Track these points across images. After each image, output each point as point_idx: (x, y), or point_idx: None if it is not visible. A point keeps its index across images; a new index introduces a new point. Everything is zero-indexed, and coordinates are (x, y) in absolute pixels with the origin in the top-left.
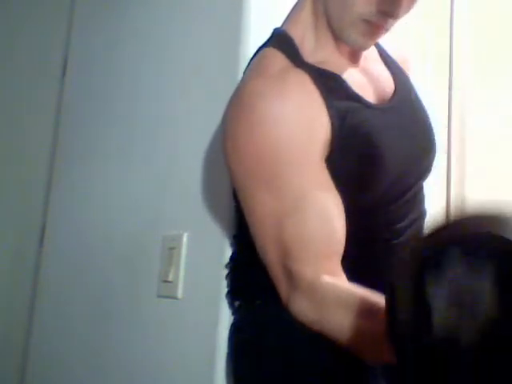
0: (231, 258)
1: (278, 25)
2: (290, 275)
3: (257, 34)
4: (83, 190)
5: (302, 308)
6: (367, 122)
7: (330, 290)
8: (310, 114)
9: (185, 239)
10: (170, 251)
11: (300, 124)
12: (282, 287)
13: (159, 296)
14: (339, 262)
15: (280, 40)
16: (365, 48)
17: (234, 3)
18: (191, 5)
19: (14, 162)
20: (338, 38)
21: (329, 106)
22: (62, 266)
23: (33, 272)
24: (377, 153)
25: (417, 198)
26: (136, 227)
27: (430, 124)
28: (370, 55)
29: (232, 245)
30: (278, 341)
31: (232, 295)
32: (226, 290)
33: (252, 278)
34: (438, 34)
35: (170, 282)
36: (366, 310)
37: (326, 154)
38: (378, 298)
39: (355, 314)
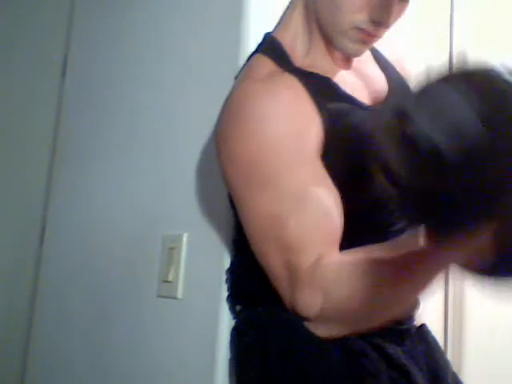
0: (232, 263)
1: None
2: (293, 270)
3: (257, 34)
4: (83, 190)
5: (310, 299)
6: (360, 122)
7: (335, 263)
8: (301, 114)
9: (185, 239)
10: (169, 251)
11: (291, 123)
12: (285, 288)
13: (159, 296)
14: (338, 249)
15: (269, 46)
16: (357, 55)
17: (234, 3)
18: (191, 5)
19: (13, 161)
20: (329, 43)
21: (319, 107)
22: (62, 266)
23: (33, 272)
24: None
25: None
26: (136, 227)
27: None
28: (364, 56)
29: (232, 249)
30: (281, 344)
31: (233, 299)
32: (226, 289)
33: (253, 283)
34: (438, 34)
35: (169, 282)
36: (380, 258)
37: (320, 152)
38: (385, 248)
39: (370, 267)
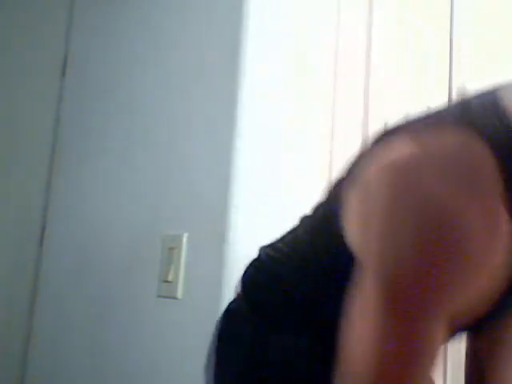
0: (276, 245)
1: (278, 25)
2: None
3: (257, 34)
4: (83, 190)
5: None
6: None
7: None
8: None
9: (185, 239)
10: (169, 251)
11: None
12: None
13: (159, 296)
14: None
15: (491, 125)
16: None
17: (234, 3)
18: (191, 5)
19: (14, 161)
20: None
21: None
22: (61, 266)
23: (33, 272)
24: None
25: None
26: (136, 227)
27: None
28: None
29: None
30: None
31: (241, 287)
32: (226, 289)
33: (287, 298)
34: (438, 33)
35: (169, 282)
36: None
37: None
38: None
39: None
